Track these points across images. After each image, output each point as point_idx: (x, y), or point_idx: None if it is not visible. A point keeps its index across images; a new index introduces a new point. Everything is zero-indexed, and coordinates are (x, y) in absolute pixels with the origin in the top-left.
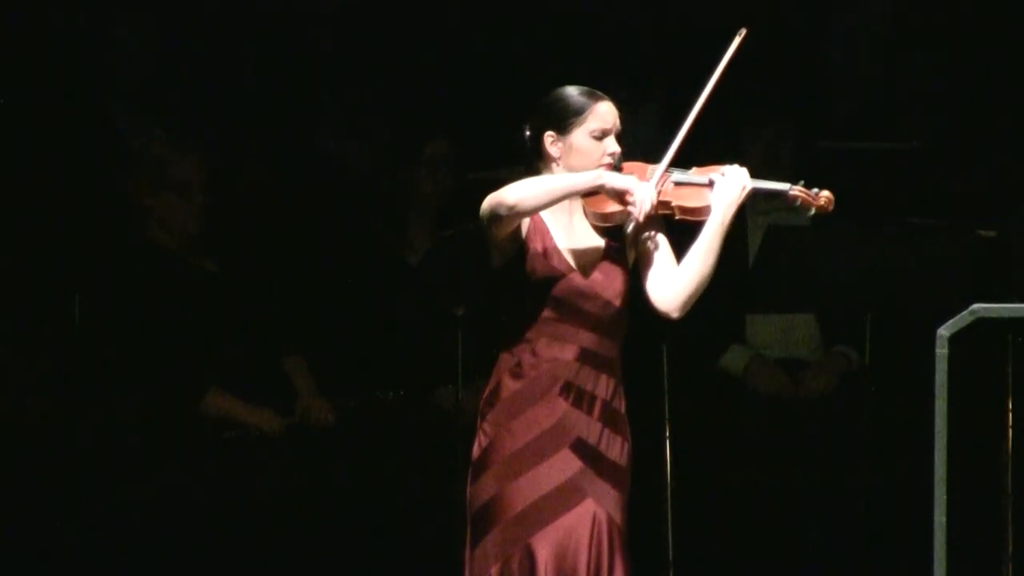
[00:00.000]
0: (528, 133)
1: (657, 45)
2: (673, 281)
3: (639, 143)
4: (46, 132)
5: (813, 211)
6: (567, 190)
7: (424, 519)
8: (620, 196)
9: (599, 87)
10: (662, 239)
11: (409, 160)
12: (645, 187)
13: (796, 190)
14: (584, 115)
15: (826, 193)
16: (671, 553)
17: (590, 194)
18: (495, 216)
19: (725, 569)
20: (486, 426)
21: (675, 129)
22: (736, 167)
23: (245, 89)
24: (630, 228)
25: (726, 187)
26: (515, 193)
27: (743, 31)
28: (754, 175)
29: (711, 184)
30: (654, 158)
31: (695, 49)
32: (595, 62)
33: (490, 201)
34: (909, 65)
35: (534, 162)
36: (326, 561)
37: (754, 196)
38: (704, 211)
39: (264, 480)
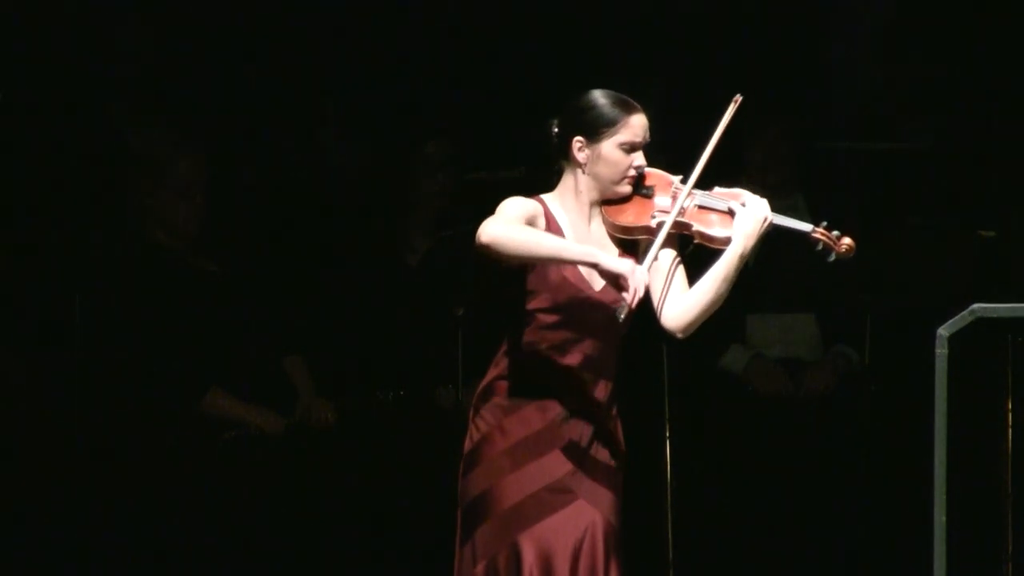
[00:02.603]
0: (556, 131)
1: (657, 44)
2: (683, 304)
3: None
4: (46, 132)
5: (834, 256)
6: (554, 256)
7: (424, 519)
8: (614, 279)
9: (599, 87)
10: (675, 258)
11: (409, 160)
12: (640, 271)
13: (819, 232)
14: (616, 127)
15: (848, 240)
16: (671, 553)
17: (611, 203)
18: (480, 246)
19: (725, 569)
20: (479, 421)
21: (675, 135)
22: (757, 198)
23: (245, 89)
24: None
25: (746, 218)
26: (496, 233)
27: (738, 98)
28: (754, 175)
29: (731, 213)
30: (651, 158)
31: (695, 49)
32: (595, 61)
33: (481, 230)
34: (909, 65)
35: (558, 160)
36: (326, 561)
37: (775, 231)
38: (723, 241)
39: (264, 480)
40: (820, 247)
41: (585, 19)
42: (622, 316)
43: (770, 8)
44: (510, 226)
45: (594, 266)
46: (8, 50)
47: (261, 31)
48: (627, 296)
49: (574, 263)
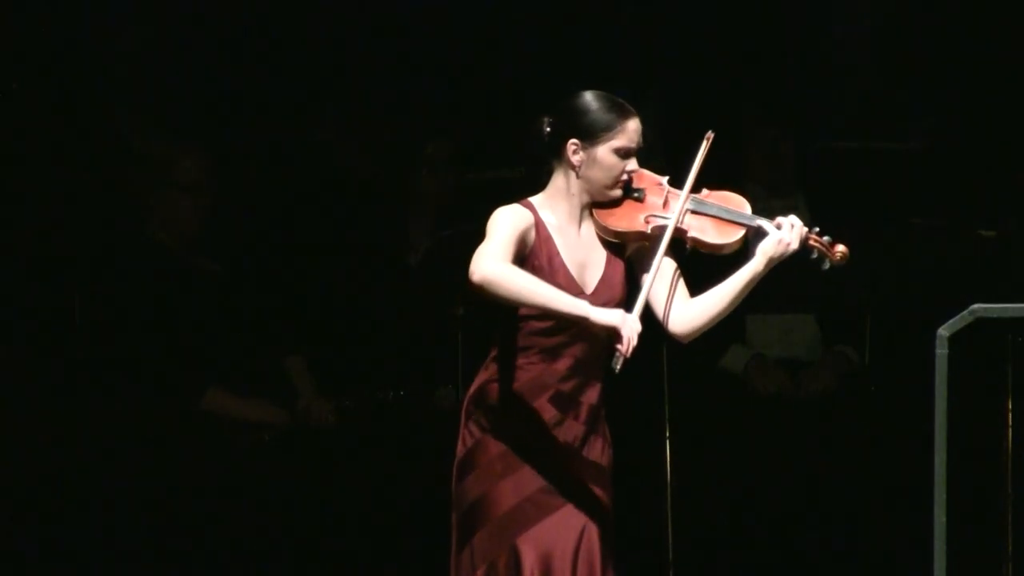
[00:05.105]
0: (549, 130)
1: (657, 44)
2: (691, 311)
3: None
4: (48, 131)
5: (828, 264)
6: (544, 306)
7: (424, 519)
8: (607, 331)
9: (598, 88)
10: (672, 263)
11: (409, 160)
12: (631, 320)
13: (812, 239)
14: (614, 131)
15: (841, 248)
16: (671, 553)
17: (601, 205)
18: (473, 285)
19: (725, 569)
20: (471, 426)
21: (668, 135)
22: (798, 224)
23: (246, 89)
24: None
25: (774, 243)
26: (490, 274)
27: (710, 135)
28: (754, 174)
29: (759, 232)
30: (651, 157)
31: (694, 49)
32: (594, 62)
33: (474, 265)
34: (909, 65)
35: (549, 160)
36: (326, 561)
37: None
38: (720, 248)
39: (264, 480)
40: (815, 255)
41: (585, 19)
42: (618, 367)
43: (770, 9)
44: (503, 268)
45: (584, 319)
46: (9, 49)
47: (262, 30)
48: (622, 347)
49: (564, 316)
